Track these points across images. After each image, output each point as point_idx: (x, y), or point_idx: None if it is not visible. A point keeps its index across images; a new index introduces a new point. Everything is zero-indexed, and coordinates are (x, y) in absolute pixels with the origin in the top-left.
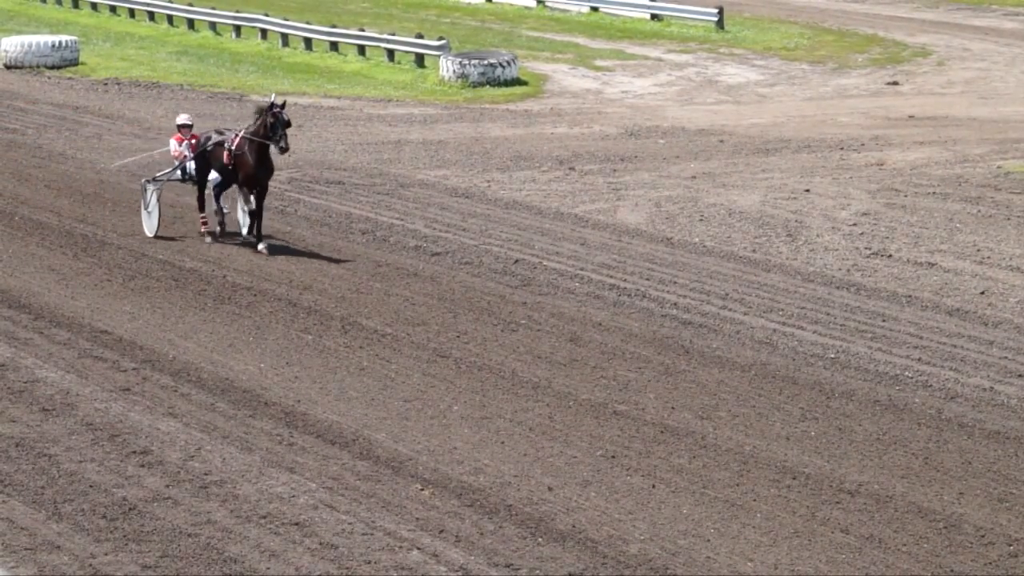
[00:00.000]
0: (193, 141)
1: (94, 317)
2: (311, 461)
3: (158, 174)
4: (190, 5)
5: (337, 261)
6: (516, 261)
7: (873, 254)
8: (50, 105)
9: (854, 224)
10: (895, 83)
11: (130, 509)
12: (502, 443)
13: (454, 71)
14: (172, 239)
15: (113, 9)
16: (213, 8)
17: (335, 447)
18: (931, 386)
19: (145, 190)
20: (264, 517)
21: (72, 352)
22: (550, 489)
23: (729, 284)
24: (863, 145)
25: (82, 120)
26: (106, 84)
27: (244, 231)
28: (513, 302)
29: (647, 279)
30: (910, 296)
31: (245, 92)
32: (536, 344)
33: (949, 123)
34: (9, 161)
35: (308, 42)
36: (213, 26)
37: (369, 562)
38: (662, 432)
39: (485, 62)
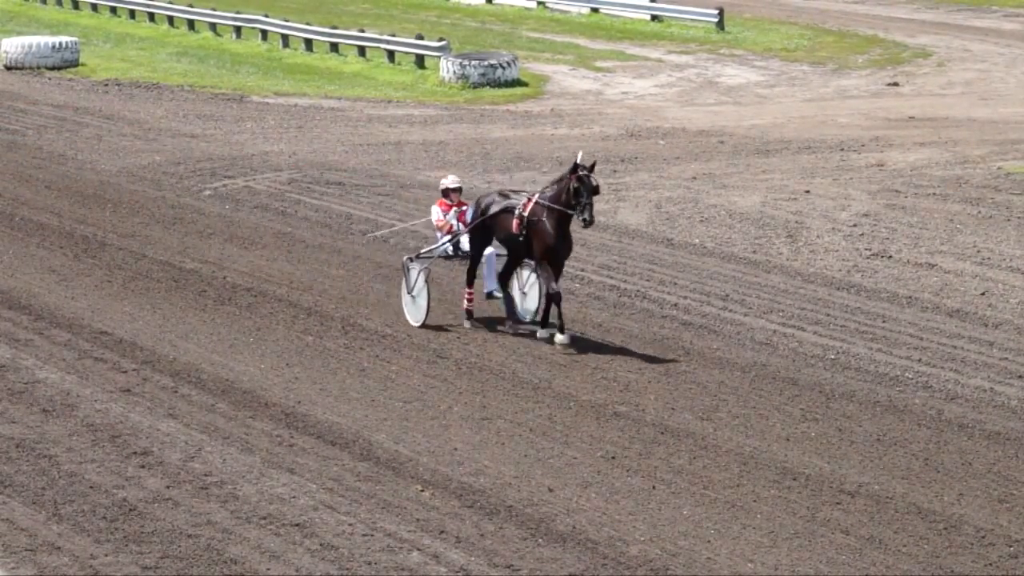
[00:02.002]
0: (464, 209)
1: (94, 318)
2: (311, 462)
3: (423, 250)
4: (190, 6)
5: (337, 262)
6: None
7: (873, 255)
8: (50, 106)
9: (854, 225)
10: (895, 84)
11: (130, 510)
12: (502, 444)
13: (454, 72)
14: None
15: (113, 10)
16: (213, 9)
17: (335, 448)
18: (931, 387)
19: (408, 270)
20: (264, 518)
21: (72, 353)
22: (550, 490)
23: (729, 285)
24: (863, 146)
25: (82, 121)
26: (106, 85)
27: (526, 316)
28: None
29: (647, 280)
30: (910, 297)
31: (245, 93)
32: (536, 345)
33: (949, 124)
34: (9, 162)
35: (308, 43)
36: (213, 27)
37: (369, 563)
38: (662, 433)
39: (485, 63)
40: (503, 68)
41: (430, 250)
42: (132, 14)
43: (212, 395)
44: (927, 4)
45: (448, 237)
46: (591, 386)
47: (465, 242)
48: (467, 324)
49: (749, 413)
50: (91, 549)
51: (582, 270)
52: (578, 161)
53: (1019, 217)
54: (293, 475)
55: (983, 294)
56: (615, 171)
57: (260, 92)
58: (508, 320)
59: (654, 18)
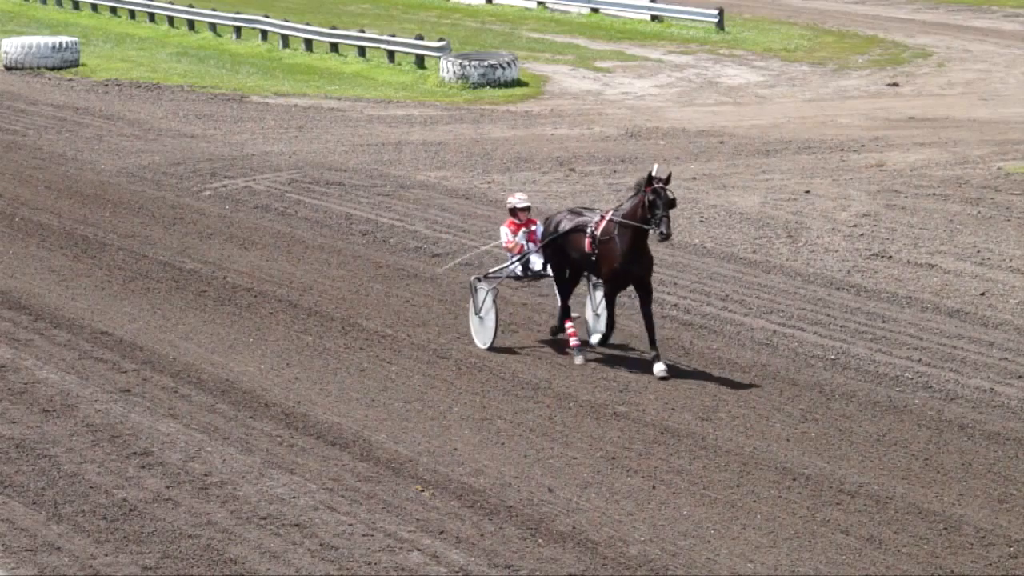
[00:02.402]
0: (533, 228)
1: (94, 318)
2: (311, 462)
3: (491, 270)
4: (190, 6)
5: (337, 262)
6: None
7: (873, 255)
8: (50, 106)
9: (854, 225)
10: (895, 84)
11: (130, 510)
12: (502, 444)
13: (454, 72)
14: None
15: (113, 10)
16: (213, 9)
17: (335, 448)
18: (931, 387)
19: (475, 291)
20: (264, 518)
21: (72, 353)
22: (550, 490)
23: (729, 285)
24: (863, 146)
25: (83, 121)
26: (106, 85)
27: (594, 338)
28: (513, 303)
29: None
30: (910, 297)
31: (245, 93)
32: (536, 345)
33: (949, 124)
34: (9, 162)
35: (308, 43)
36: (213, 27)
37: (369, 563)
38: (662, 433)
39: (485, 63)
40: (503, 68)
41: (498, 270)
42: (132, 14)
43: (212, 395)
44: (927, 4)
45: (518, 257)
46: (591, 386)
47: (535, 262)
48: (578, 360)
49: (749, 413)
50: (91, 549)
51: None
52: (653, 173)
53: (1019, 217)
54: (293, 475)
55: (983, 294)
56: (615, 171)
57: (260, 92)
58: (553, 327)
59: (654, 18)
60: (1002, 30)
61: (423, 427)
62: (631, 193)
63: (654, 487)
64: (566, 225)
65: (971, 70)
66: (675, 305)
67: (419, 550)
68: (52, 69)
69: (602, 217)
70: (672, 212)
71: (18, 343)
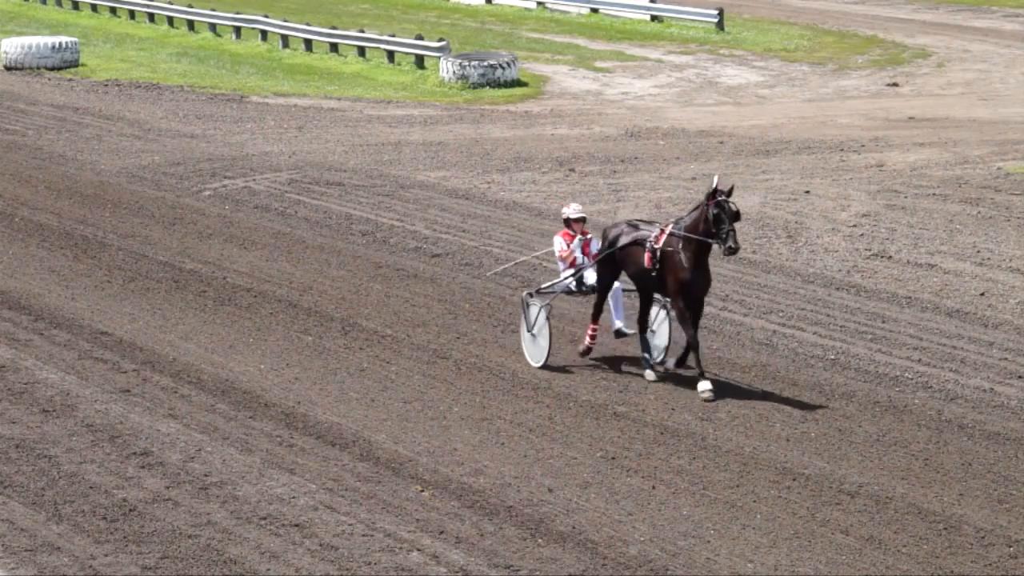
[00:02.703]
0: (588, 239)
1: (94, 318)
2: (311, 462)
3: (543, 285)
4: (190, 6)
5: (337, 262)
6: (516, 262)
7: (873, 255)
8: (50, 107)
9: (854, 225)
10: (895, 84)
11: (130, 510)
12: (502, 444)
13: (454, 72)
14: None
15: (113, 11)
16: (213, 9)
17: (335, 448)
18: (931, 387)
19: (527, 306)
20: (264, 518)
21: (72, 353)
22: (550, 490)
23: (729, 285)
24: (863, 146)
25: (82, 121)
26: (106, 85)
27: (656, 355)
28: (513, 303)
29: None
30: (910, 297)
31: (245, 93)
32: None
33: (949, 124)
34: (9, 163)
35: (308, 43)
36: (213, 27)
37: (369, 563)
38: (662, 433)
39: (485, 63)
40: (503, 68)
41: (551, 285)
42: (132, 14)
43: (212, 395)
44: (927, 4)
45: (571, 271)
46: (591, 386)
47: (590, 276)
48: (582, 350)
49: (749, 414)
50: (91, 549)
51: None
52: (716, 186)
53: (1019, 217)
54: (293, 475)
55: (983, 294)
56: (615, 171)
57: (260, 92)
58: (645, 362)
59: (654, 18)
60: (1002, 30)
61: (423, 427)
62: (692, 207)
63: (654, 487)
64: (624, 239)
65: (971, 70)
66: None
67: (419, 550)
68: (52, 69)
69: (662, 231)
70: (671, 211)
71: (18, 343)
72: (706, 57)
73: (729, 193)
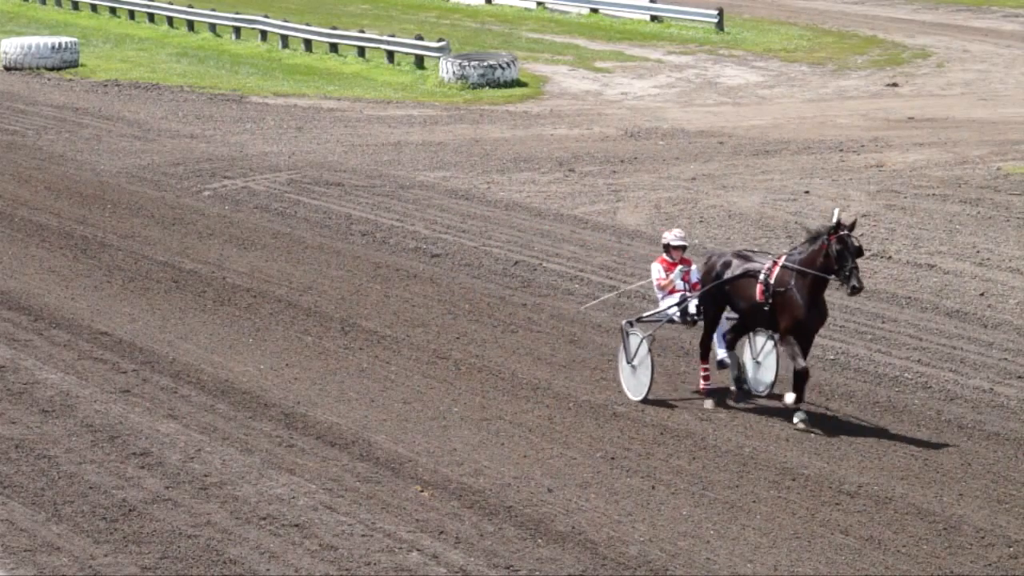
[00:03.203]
0: (691, 269)
1: (94, 319)
2: (311, 463)
3: (644, 314)
4: (190, 7)
5: (337, 263)
6: (516, 263)
7: (873, 255)
8: (50, 107)
9: None
10: (895, 85)
11: (130, 510)
12: (502, 444)
13: (454, 72)
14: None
15: (113, 11)
16: (213, 10)
17: (335, 448)
18: (931, 387)
19: (627, 337)
20: (264, 519)
21: (72, 354)
22: (550, 490)
23: None
24: (863, 147)
25: (82, 122)
26: (106, 86)
27: (759, 388)
28: (513, 303)
29: (647, 281)
30: (910, 297)
31: (245, 94)
32: (536, 346)
33: (949, 125)
34: (9, 163)
35: (308, 43)
36: (213, 28)
37: (369, 563)
38: (662, 434)
39: (485, 63)
40: (502, 69)
41: (653, 314)
42: (132, 15)
43: (212, 396)
44: (927, 4)
45: (675, 300)
46: (591, 386)
47: (692, 306)
48: (708, 405)
49: (749, 413)
50: (91, 549)
51: (581, 270)
52: (838, 219)
53: (1019, 218)
54: (293, 476)
55: (982, 294)
56: (615, 172)
57: (259, 93)
58: (733, 390)
59: (653, 18)
60: (1002, 30)
61: (423, 427)
62: (807, 237)
63: (654, 487)
64: (734, 270)
65: (971, 70)
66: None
67: (419, 550)
68: (51, 69)
69: (775, 263)
70: (671, 211)
71: (18, 343)
72: (706, 57)
73: (852, 228)
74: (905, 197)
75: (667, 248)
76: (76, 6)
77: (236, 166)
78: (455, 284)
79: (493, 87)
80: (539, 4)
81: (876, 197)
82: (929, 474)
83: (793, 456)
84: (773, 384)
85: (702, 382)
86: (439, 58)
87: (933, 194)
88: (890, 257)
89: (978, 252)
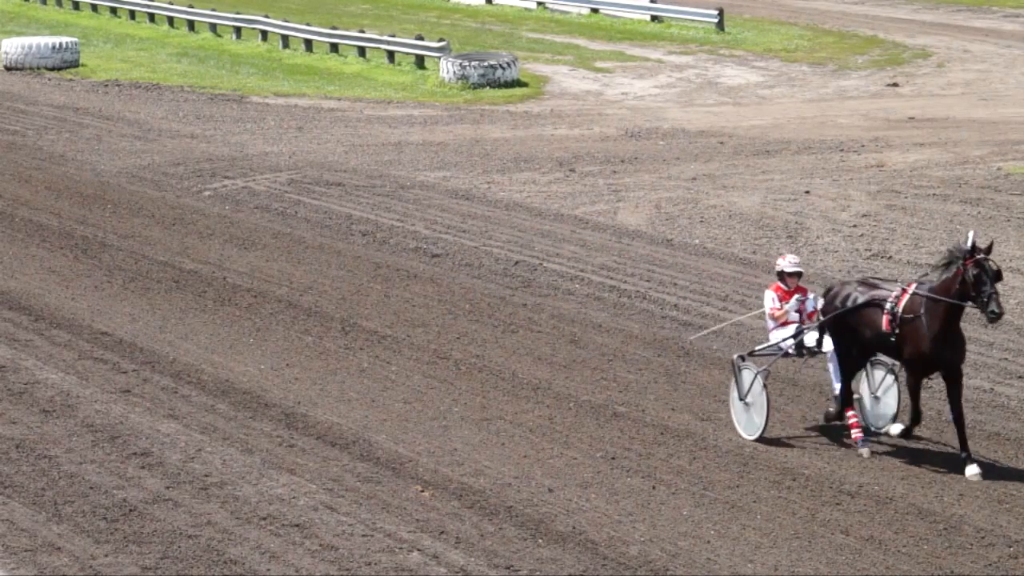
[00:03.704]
0: (809, 298)
1: (94, 319)
2: (311, 463)
3: (757, 348)
4: (190, 7)
5: (337, 263)
6: (516, 263)
7: (873, 255)
8: (50, 107)
9: (854, 226)
10: (895, 85)
11: (130, 511)
12: (502, 445)
13: (454, 73)
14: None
15: (114, 11)
16: (213, 10)
17: (335, 449)
18: (931, 388)
19: (739, 372)
20: (264, 519)
21: (72, 354)
22: (550, 491)
23: (729, 286)
24: (863, 147)
25: (82, 122)
26: (106, 86)
27: (894, 429)
28: (513, 304)
29: (647, 281)
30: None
31: (245, 94)
32: (536, 346)
33: (949, 125)
34: (9, 163)
35: (308, 43)
36: (213, 28)
37: (369, 563)
38: (662, 434)
39: (485, 63)
40: (503, 69)
41: (767, 347)
42: (132, 15)
43: (212, 396)
44: (927, 4)
45: (788, 332)
46: (591, 386)
47: (810, 338)
48: (864, 452)
49: None
50: (91, 549)
51: (582, 271)
52: (973, 242)
53: (1019, 218)
54: (293, 476)
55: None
56: (615, 172)
57: (260, 93)
58: (828, 413)
59: (654, 18)
60: (1002, 30)
61: (423, 427)
62: (939, 262)
63: (654, 487)
64: (858, 298)
65: (971, 70)
66: (675, 305)
67: (419, 550)
68: (52, 69)
69: (903, 290)
70: (671, 211)
71: (18, 343)
72: (706, 57)
73: (988, 251)
74: (905, 197)
75: (781, 275)
76: (76, 6)
77: (236, 166)
78: (455, 284)
79: (493, 87)
80: (539, 4)
81: (876, 197)
82: (929, 474)
83: (793, 456)
84: (893, 419)
85: (853, 432)
86: (439, 58)
87: (933, 194)
88: (890, 257)
89: None
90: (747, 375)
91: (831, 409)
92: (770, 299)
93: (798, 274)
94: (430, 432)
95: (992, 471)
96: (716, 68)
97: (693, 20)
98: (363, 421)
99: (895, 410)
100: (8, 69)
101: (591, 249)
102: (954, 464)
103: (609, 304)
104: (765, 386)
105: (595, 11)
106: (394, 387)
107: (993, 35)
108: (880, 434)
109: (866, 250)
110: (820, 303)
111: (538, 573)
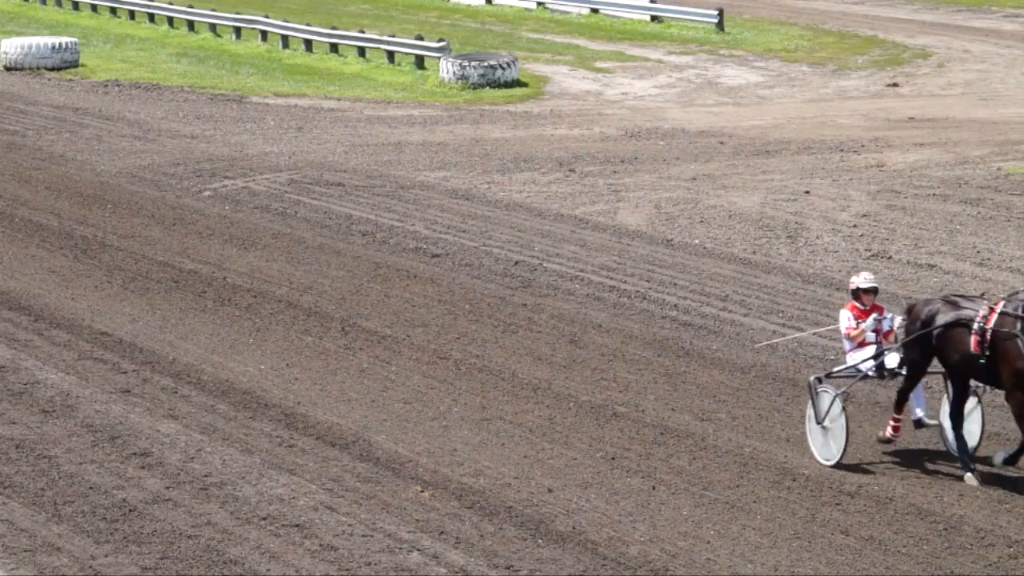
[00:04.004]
0: (887, 317)
1: (94, 319)
2: (311, 463)
3: (835, 369)
4: (190, 7)
5: (337, 263)
6: (516, 263)
7: (873, 256)
8: (50, 107)
9: (854, 226)
10: (895, 85)
11: (130, 511)
12: (502, 445)
13: (454, 73)
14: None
15: (113, 11)
16: (213, 10)
17: (335, 449)
18: (931, 388)
19: (816, 393)
20: (264, 519)
21: (72, 354)
22: (550, 491)
23: (729, 286)
24: (863, 147)
25: (82, 122)
26: (106, 86)
27: (997, 457)
28: (513, 304)
29: (647, 281)
30: (910, 297)
31: (245, 94)
32: (536, 346)
33: (949, 125)
34: (9, 163)
35: (308, 44)
36: (213, 28)
37: (369, 564)
38: (662, 434)
39: (485, 64)
40: (503, 69)
41: (846, 369)
42: (132, 15)
43: (212, 396)
44: (927, 4)
45: (867, 353)
46: (591, 386)
47: (891, 359)
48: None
49: (749, 414)
50: (91, 550)
51: (582, 271)
52: None
53: (1019, 218)
54: (293, 476)
55: (983, 295)
56: (615, 172)
57: (260, 93)
58: (961, 464)
59: (654, 19)
60: (1002, 30)
61: (423, 427)
62: None
63: (654, 487)
64: (943, 318)
65: (971, 70)
66: (675, 306)
67: (419, 551)
68: (52, 70)
69: (991, 309)
70: (671, 211)
71: (18, 343)
72: (706, 57)
73: None
74: (905, 197)
75: (856, 293)
76: (76, 6)
77: (236, 166)
78: (455, 284)
79: (493, 87)
80: (539, 4)
81: (876, 197)
82: (929, 474)
83: (793, 456)
84: (976, 447)
85: (889, 430)
86: (439, 58)
87: (933, 194)
88: (890, 257)
89: (978, 252)
90: (825, 398)
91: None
92: (845, 318)
93: (874, 291)
94: (430, 432)
95: (992, 471)
96: (716, 68)
97: (693, 20)
98: (363, 421)
99: (979, 436)
100: (8, 69)
101: (591, 249)
102: (954, 464)
103: (609, 304)
104: (844, 409)
105: (595, 11)
106: (394, 387)
107: (993, 35)
108: (970, 462)
109: (866, 250)
110: (898, 322)
111: (538, 573)
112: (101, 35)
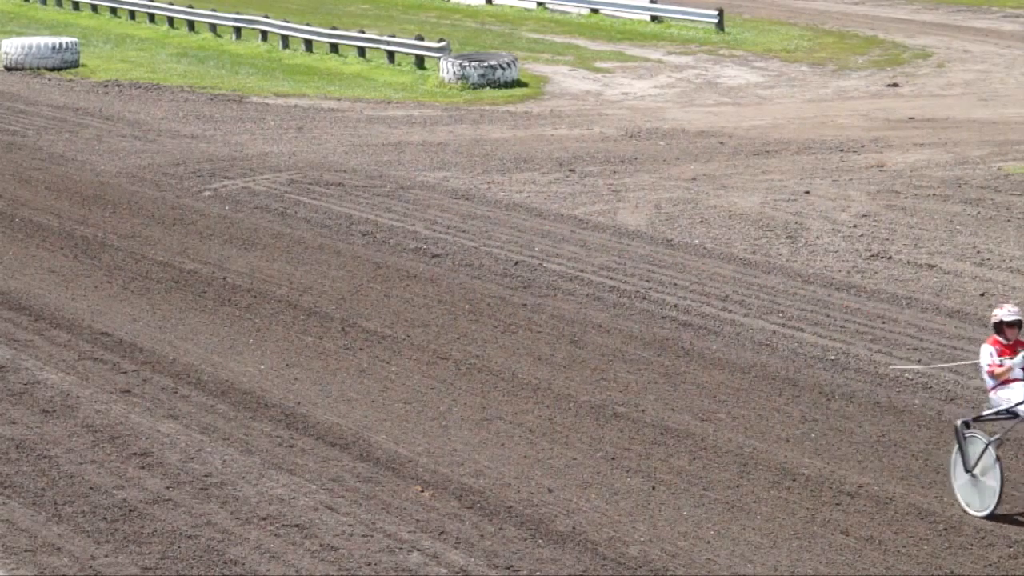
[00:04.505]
0: None
1: (94, 319)
2: (311, 463)
3: (985, 413)
4: (190, 7)
5: (337, 263)
6: (516, 263)
7: (873, 256)
8: (50, 107)
9: (854, 226)
10: (895, 85)
11: (130, 511)
12: (502, 445)
13: (454, 73)
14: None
15: (114, 11)
16: (214, 10)
17: (335, 449)
18: (931, 388)
19: (964, 439)
20: (264, 519)
21: (72, 354)
22: (550, 491)
23: (729, 286)
24: (863, 147)
25: (82, 122)
26: (106, 86)
27: None
28: (513, 304)
29: (647, 281)
30: (910, 298)
31: (245, 94)
32: (536, 346)
33: (949, 125)
34: (9, 163)
35: (308, 44)
36: (213, 28)
37: (369, 564)
38: (662, 434)
39: (485, 64)
40: (503, 69)
41: (996, 411)
42: (132, 15)
43: (212, 396)
44: (927, 4)
45: (1019, 392)
46: (591, 386)
47: None
48: None
49: (749, 414)
50: (91, 550)
51: (582, 271)
52: None
53: (1019, 218)
54: (293, 476)
55: (983, 295)
56: (615, 172)
57: (260, 93)
58: None
59: (654, 19)
60: (1002, 30)
61: (423, 428)
62: None
63: (654, 488)
64: None
65: (971, 70)
66: (675, 306)
67: (419, 551)
68: (52, 70)
69: None
70: (671, 211)
71: (18, 344)
72: (706, 58)
73: None
74: (905, 197)
75: (999, 327)
76: (76, 6)
77: (236, 166)
78: (455, 284)
79: (493, 87)
80: (539, 4)
81: (876, 197)
82: (929, 474)
83: (793, 456)
84: (996, 504)
85: None
86: (439, 58)
87: (933, 194)
88: (890, 257)
89: (978, 252)
90: (976, 446)
91: None
92: (987, 354)
93: (1018, 324)
94: (430, 432)
95: None
96: (716, 68)
97: (693, 20)
98: (363, 421)
99: (998, 494)
100: (8, 69)
101: (591, 249)
102: None
103: (609, 304)
104: (998, 457)
105: (595, 11)
106: (394, 387)
107: (993, 35)
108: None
109: (866, 250)
110: None
111: (538, 573)
112: (101, 35)
